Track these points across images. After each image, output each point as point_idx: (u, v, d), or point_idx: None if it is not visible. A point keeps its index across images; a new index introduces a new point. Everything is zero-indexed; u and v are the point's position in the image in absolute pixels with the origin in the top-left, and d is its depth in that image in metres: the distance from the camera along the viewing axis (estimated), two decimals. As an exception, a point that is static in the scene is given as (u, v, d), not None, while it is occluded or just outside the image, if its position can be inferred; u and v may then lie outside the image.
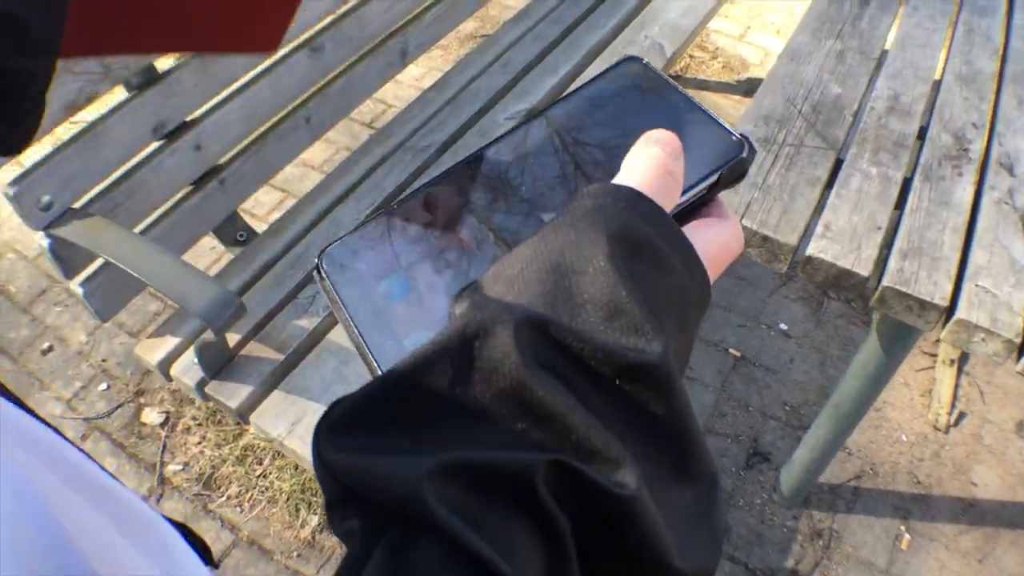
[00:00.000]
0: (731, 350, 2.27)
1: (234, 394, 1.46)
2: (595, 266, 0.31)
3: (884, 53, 1.66)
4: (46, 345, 2.29)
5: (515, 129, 0.42)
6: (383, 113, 3.03)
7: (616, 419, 0.29)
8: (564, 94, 0.44)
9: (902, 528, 1.93)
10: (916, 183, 1.33)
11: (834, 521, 1.94)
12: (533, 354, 0.29)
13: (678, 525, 0.29)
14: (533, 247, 0.33)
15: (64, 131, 1.53)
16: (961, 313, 1.12)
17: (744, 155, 0.39)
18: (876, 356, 1.43)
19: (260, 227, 2.52)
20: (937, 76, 1.61)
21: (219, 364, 1.49)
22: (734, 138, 0.40)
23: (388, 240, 0.39)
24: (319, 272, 0.39)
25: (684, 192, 0.38)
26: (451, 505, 0.26)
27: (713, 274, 0.37)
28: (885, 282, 1.16)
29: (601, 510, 0.27)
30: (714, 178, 0.39)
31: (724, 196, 1.28)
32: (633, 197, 0.34)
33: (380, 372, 0.35)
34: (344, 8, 1.88)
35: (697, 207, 0.40)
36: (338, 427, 0.29)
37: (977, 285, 1.16)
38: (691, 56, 3.28)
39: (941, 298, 1.14)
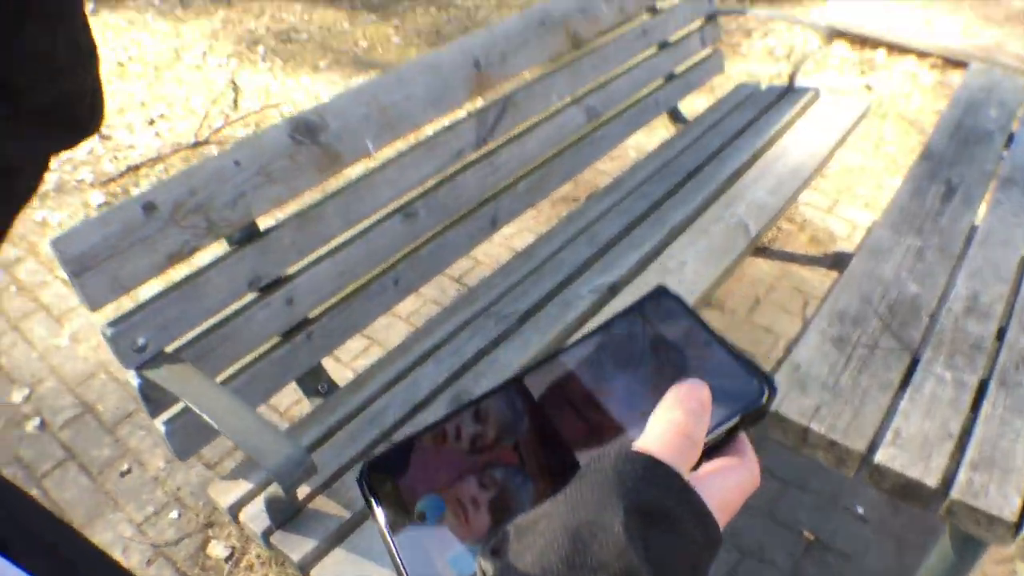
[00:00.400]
0: (805, 532, 2.19)
1: (297, 547, 1.47)
2: (611, 533, 0.34)
3: (965, 251, 1.66)
4: (125, 467, 2.37)
5: (551, 358, 0.44)
6: (472, 269, 3.13)
7: None
8: (594, 328, 0.45)
9: None
10: (992, 388, 1.30)
11: None
12: None
13: None
14: (555, 507, 0.35)
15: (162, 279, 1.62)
16: (1033, 531, 1.08)
17: (763, 402, 0.40)
18: (949, 560, 1.37)
19: (343, 372, 2.61)
20: (1017, 275, 1.60)
21: (287, 515, 1.51)
22: (755, 382, 0.41)
23: (427, 457, 0.41)
24: (361, 483, 0.41)
25: (708, 432, 0.40)
26: None
27: (726, 517, 0.39)
28: (953, 495, 1.13)
29: None
30: (734, 421, 0.40)
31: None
32: (650, 465, 0.37)
33: None
34: (440, 176, 1.99)
35: (718, 446, 0.41)
36: None
37: (1048, 499, 1.12)
38: (779, 228, 3.31)
39: (1011, 513, 1.10)
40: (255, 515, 1.53)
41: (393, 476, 0.41)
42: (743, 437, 0.42)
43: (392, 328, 2.83)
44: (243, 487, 1.58)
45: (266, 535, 1.49)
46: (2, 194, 0.49)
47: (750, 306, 2.93)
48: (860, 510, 2.25)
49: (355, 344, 2.76)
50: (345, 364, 2.68)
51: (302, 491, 1.56)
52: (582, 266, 2.16)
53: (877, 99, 4.31)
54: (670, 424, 0.39)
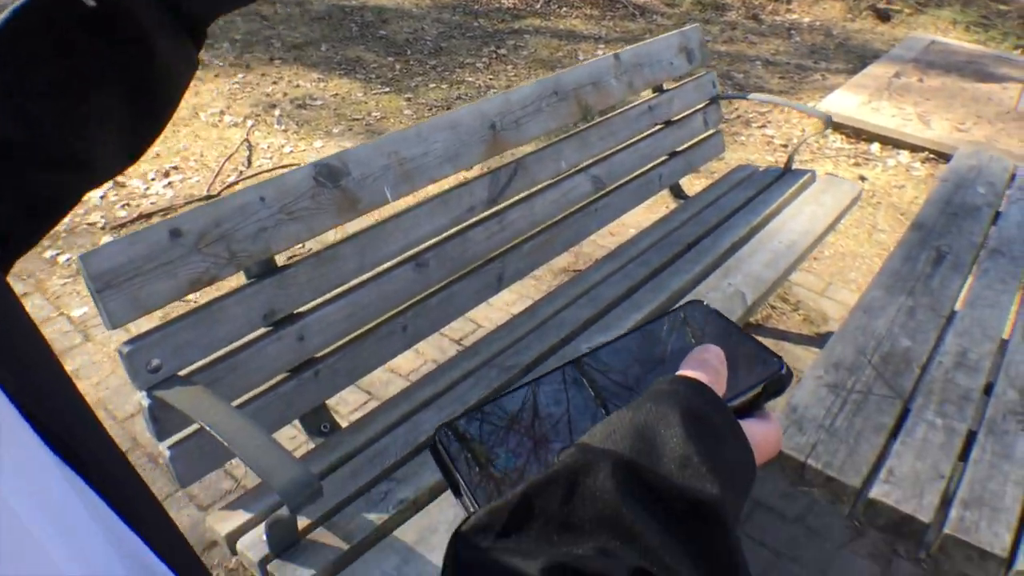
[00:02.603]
0: (796, 606, 2.19)
1: (293, 576, 1.48)
2: (672, 431, 0.40)
3: (954, 312, 1.72)
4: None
5: (611, 342, 0.52)
6: (473, 332, 3.18)
7: (685, 544, 0.36)
8: (646, 323, 0.54)
9: None
10: (981, 436, 1.35)
11: None
12: (626, 489, 0.37)
13: None
14: (623, 415, 0.41)
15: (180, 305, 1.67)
16: (1021, 565, 1.11)
17: (783, 372, 0.49)
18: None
19: (341, 424, 2.63)
20: (1005, 335, 1.66)
21: (286, 544, 1.52)
22: (774, 360, 0.50)
23: (499, 422, 0.47)
24: (437, 442, 0.47)
25: (736, 396, 0.48)
26: None
27: (758, 458, 0.45)
28: (946, 529, 1.17)
29: None
30: (758, 388, 0.49)
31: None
32: (698, 386, 0.44)
33: None
34: (452, 230, 2.06)
35: (747, 410, 0.49)
36: (474, 530, 0.37)
37: (1039, 539, 1.16)
38: (772, 307, 3.38)
39: (1001, 549, 1.13)
40: (252, 543, 1.54)
41: (463, 438, 0.47)
42: (769, 411, 0.50)
43: (392, 384, 2.86)
44: (242, 516, 1.59)
45: (263, 563, 1.50)
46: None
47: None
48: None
49: (355, 397, 2.79)
50: (343, 416, 2.70)
51: (302, 522, 1.58)
52: (583, 324, 2.22)
53: (870, 188, 4.44)
54: (704, 362, 0.47)
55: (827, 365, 1.51)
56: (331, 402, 2.69)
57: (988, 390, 1.48)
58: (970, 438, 1.35)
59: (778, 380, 0.49)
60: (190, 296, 1.64)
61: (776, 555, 2.32)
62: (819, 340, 3.23)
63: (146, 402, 1.53)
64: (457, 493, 0.45)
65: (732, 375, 0.48)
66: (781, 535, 2.37)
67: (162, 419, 1.54)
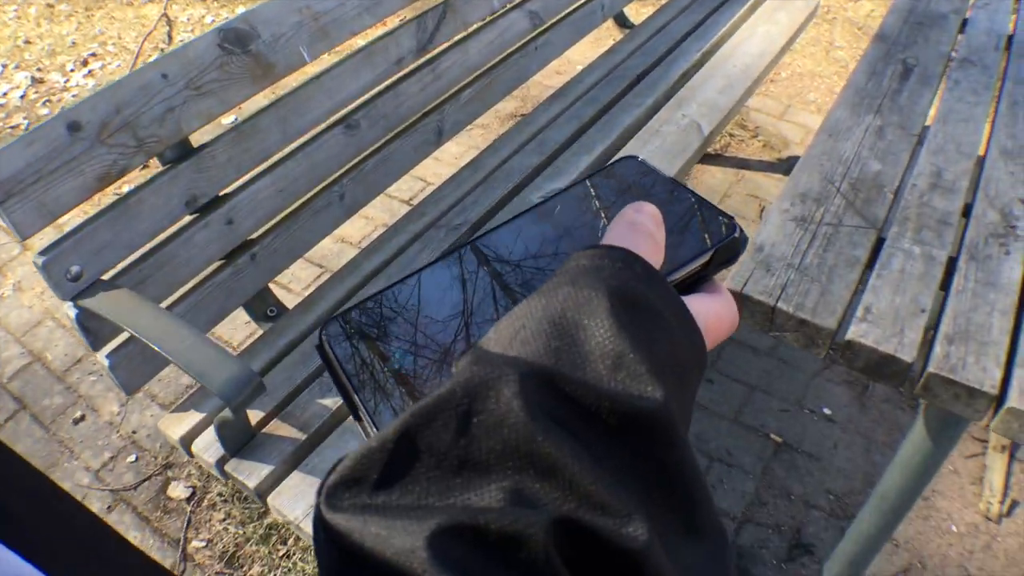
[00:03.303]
0: (772, 435, 2.19)
1: (253, 473, 1.42)
2: (598, 320, 0.31)
3: (925, 129, 1.61)
4: (78, 414, 2.29)
5: (523, 213, 0.44)
6: (422, 190, 3.05)
7: (624, 470, 0.29)
8: (565, 187, 0.46)
9: (954, 627, 1.82)
10: (961, 263, 1.26)
11: (882, 619, 1.83)
12: (539, 407, 0.28)
13: None
14: (532, 304, 0.33)
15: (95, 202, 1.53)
16: (1012, 402, 1.05)
17: (736, 235, 0.42)
18: (923, 447, 1.36)
19: (295, 302, 2.53)
20: (981, 151, 1.56)
21: (240, 442, 1.45)
22: (726, 221, 0.42)
23: (390, 314, 0.40)
24: (322, 343, 0.40)
25: (679, 268, 0.41)
26: (459, 570, 0.24)
27: (708, 342, 0.37)
28: (931, 368, 1.09)
29: (613, 565, 0.26)
30: (707, 256, 0.41)
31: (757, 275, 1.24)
32: (629, 258, 0.35)
33: None
34: (380, 86, 1.90)
35: (692, 284, 0.42)
36: (340, 485, 0.28)
37: (1030, 371, 1.09)
38: (731, 135, 3.27)
39: (991, 385, 1.07)
40: (208, 445, 1.47)
41: (352, 336, 0.40)
42: (719, 282, 0.43)
43: (344, 255, 2.76)
44: (195, 417, 1.52)
45: (220, 464, 1.44)
46: None
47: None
48: (827, 411, 2.25)
49: (307, 272, 2.69)
50: (297, 294, 2.60)
51: (255, 416, 1.51)
52: (532, 173, 2.10)
53: (825, 3, 4.25)
54: (632, 225, 0.38)
55: (792, 197, 1.40)
56: (283, 279, 2.60)
57: (967, 212, 1.39)
58: (951, 266, 1.27)
59: (730, 245, 0.42)
60: (110, 189, 1.51)
61: (750, 388, 2.30)
62: (781, 166, 3.14)
63: (73, 312, 1.42)
64: (354, 413, 0.38)
65: (675, 242, 0.41)
66: (753, 368, 2.34)
67: (93, 328, 1.44)
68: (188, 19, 4.27)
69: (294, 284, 2.64)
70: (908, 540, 1.96)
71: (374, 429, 0.36)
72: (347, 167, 1.86)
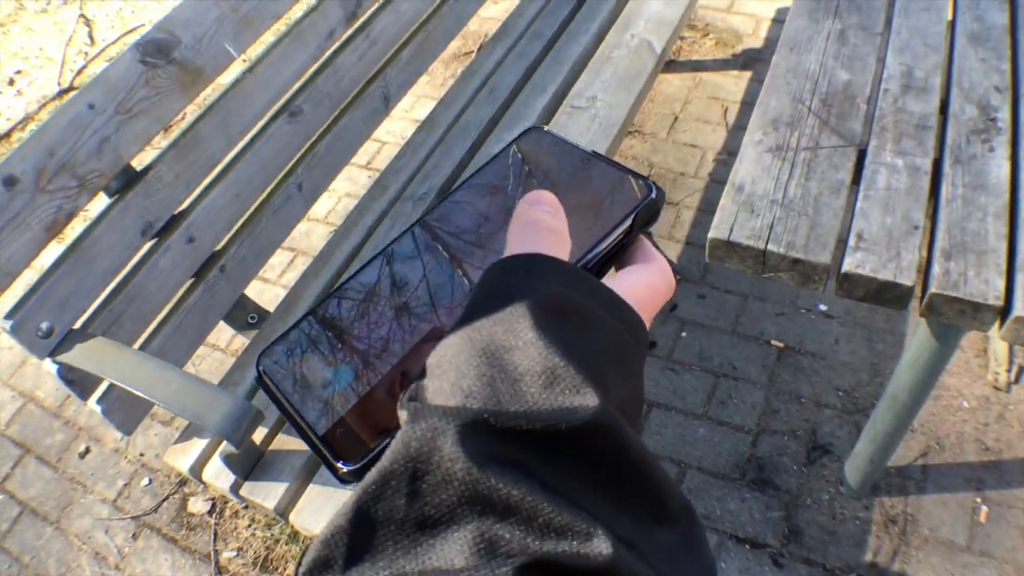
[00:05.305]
0: (773, 342, 2.18)
1: (269, 493, 1.40)
2: (524, 339, 0.31)
3: (888, 25, 1.55)
4: (83, 447, 2.26)
5: (434, 208, 0.44)
6: (378, 152, 2.96)
7: (578, 486, 0.29)
8: (475, 170, 0.45)
9: (978, 500, 1.84)
10: (947, 168, 1.22)
11: (907, 505, 1.85)
12: (482, 451, 0.28)
13: (672, 567, 0.30)
14: (460, 336, 0.33)
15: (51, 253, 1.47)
16: (1019, 310, 1.03)
17: (653, 197, 0.41)
18: (929, 347, 1.34)
19: (274, 291, 2.48)
20: (947, 40, 1.50)
21: (250, 464, 1.43)
22: (640, 183, 0.42)
23: (325, 335, 0.40)
24: (260, 376, 0.40)
25: (601, 241, 0.40)
26: None
27: (645, 316, 0.37)
28: (932, 288, 1.07)
29: None
30: (627, 223, 0.41)
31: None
32: (539, 263, 0.35)
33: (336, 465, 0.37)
34: (315, 65, 1.81)
35: (617, 253, 0.41)
36: (314, 570, 0.28)
37: (1031, 275, 1.07)
38: (682, 38, 3.18)
39: (995, 297, 1.05)
40: (218, 472, 1.45)
41: (291, 362, 0.40)
42: (645, 244, 0.42)
43: (313, 233, 2.70)
44: (198, 446, 1.50)
45: (235, 489, 1.43)
46: None
47: (669, 125, 2.84)
48: (822, 307, 2.24)
49: (280, 259, 2.63)
50: (273, 283, 2.55)
51: (259, 435, 1.48)
52: (488, 124, 2.03)
53: None
54: (529, 226, 0.38)
55: (764, 125, 1.35)
56: (264, 275, 2.53)
57: (944, 110, 1.34)
58: (937, 173, 1.23)
59: (649, 207, 0.41)
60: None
61: (743, 298, 2.29)
62: (737, 61, 3.07)
63: (53, 369, 1.38)
64: (306, 441, 0.37)
65: (592, 214, 0.41)
66: (743, 277, 2.32)
67: (77, 380, 1.40)
68: (106, 15, 4.08)
69: (269, 273, 2.59)
70: (922, 423, 1.97)
71: (328, 452, 0.36)
72: (299, 156, 1.79)
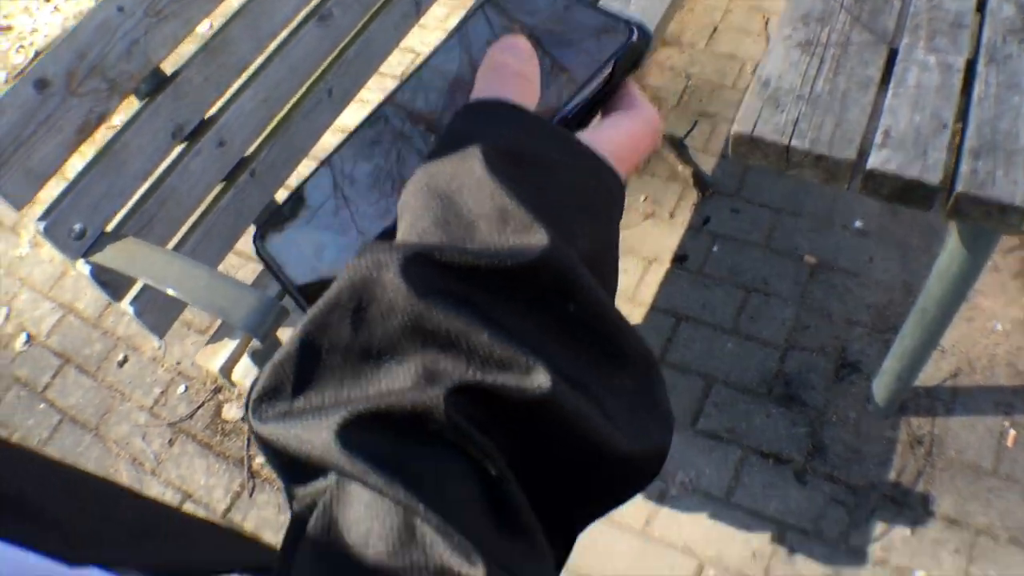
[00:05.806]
0: (806, 257, 2.15)
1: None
2: (475, 180, 0.32)
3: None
4: (121, 357, 2.32)
5: (418, 69, 0.43)
6: (412, 63, 2.94)
7: (522, 322, 0.29)
8: (450, 32, 0.44)
9: (1006, 424, 1.82)
10: (980, 67, 1.18)
11: (934, 426, 1.84)
12: (426, 284, 0.29)
13: (626, 412, 0.30)
14: (416, 181, 0.33)
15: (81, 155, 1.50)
16: (1047, 210, 1.01)
17: (634, 38, 0.39)
18: (959, 256, 1.32)
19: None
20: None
21: (278, 363, 1.46)
22: (620, 25, 0.40)
23: (324, 204, 0.40)
24: (258, 245, 0.40)
25: (581, 89, 0.39)
26: (369, 455, 0.26)
27: (625, 166, 0.37)
28: (959, 188, 1.05)
29: (519, 417, 0.28)
30: (608, 69, 0.39)
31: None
32: (496, 107, 0.35)
33: None
34: (346, -32, 1.80)
35: (600, 101, 0.40)
36: (262, 398, 0.29)
37: (1061, 176, 1.04)
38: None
39: (1023, 199, 1.02)
40: (247, 371, 1.49)
41: (287, 233, 0.40)
42: (631, 91, 0.41)
43: (345, 144, 2.69)
44: (229, 346, 1.54)
45: (263, 387, 1.45)
46: None
47: (708, 36, 2.76)
48: (858, 224, 2.20)
49: (308, 169, 2.62)
50: (304, 194, 2.56)
51: (287, 332, 1.50)
52: (522, 33, 2.00)
53: None
54: (495, 70, 0.37)
55: (794, 21, 1.31)
56: (288, 181, 2.55)
57: (981, 8, 1.29)
58: (969, 73, 1.19)
59: (631, 51, 0.39)
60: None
61: (777, 212, 2.26)
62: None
63: (86, 269, 1.41)
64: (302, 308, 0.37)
65: (570, 61, 0.39)
66: (778, 190, 2.29)
67: (110, 281, 1.43)
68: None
69: (294, 182, 2.60)
70: (954, 344, 1.95)
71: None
72: (329, 61, 1.78)
